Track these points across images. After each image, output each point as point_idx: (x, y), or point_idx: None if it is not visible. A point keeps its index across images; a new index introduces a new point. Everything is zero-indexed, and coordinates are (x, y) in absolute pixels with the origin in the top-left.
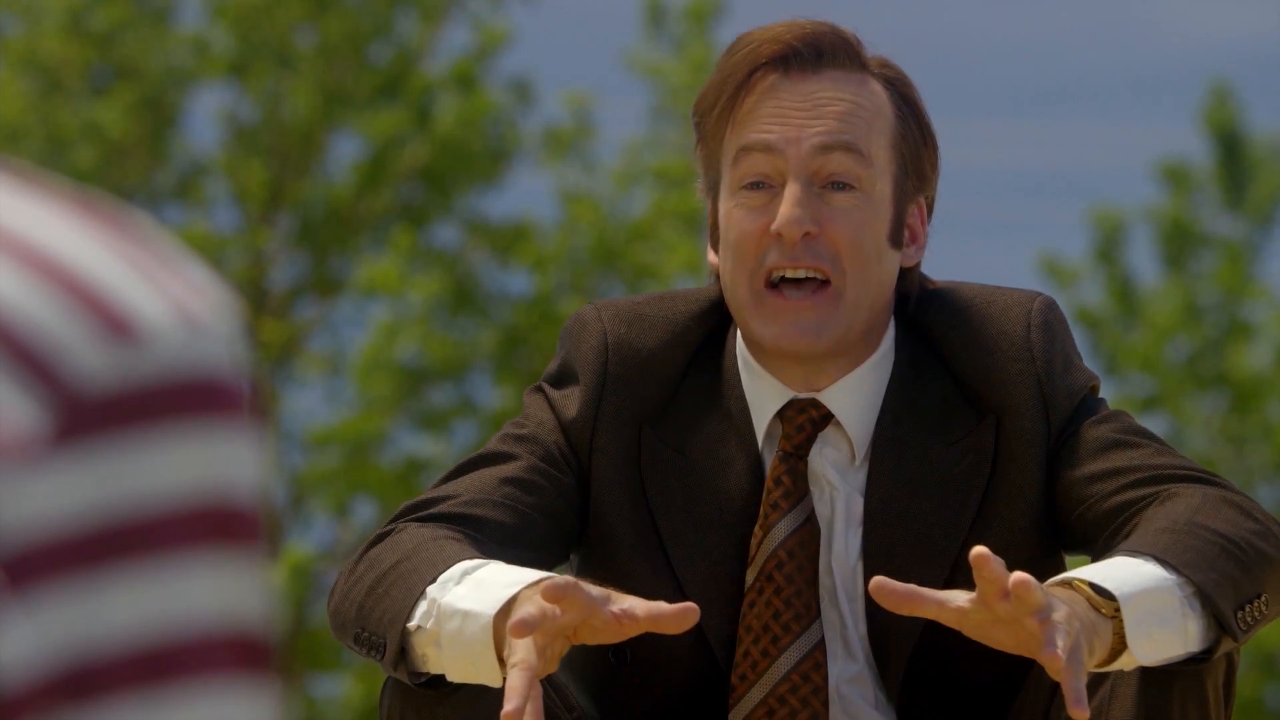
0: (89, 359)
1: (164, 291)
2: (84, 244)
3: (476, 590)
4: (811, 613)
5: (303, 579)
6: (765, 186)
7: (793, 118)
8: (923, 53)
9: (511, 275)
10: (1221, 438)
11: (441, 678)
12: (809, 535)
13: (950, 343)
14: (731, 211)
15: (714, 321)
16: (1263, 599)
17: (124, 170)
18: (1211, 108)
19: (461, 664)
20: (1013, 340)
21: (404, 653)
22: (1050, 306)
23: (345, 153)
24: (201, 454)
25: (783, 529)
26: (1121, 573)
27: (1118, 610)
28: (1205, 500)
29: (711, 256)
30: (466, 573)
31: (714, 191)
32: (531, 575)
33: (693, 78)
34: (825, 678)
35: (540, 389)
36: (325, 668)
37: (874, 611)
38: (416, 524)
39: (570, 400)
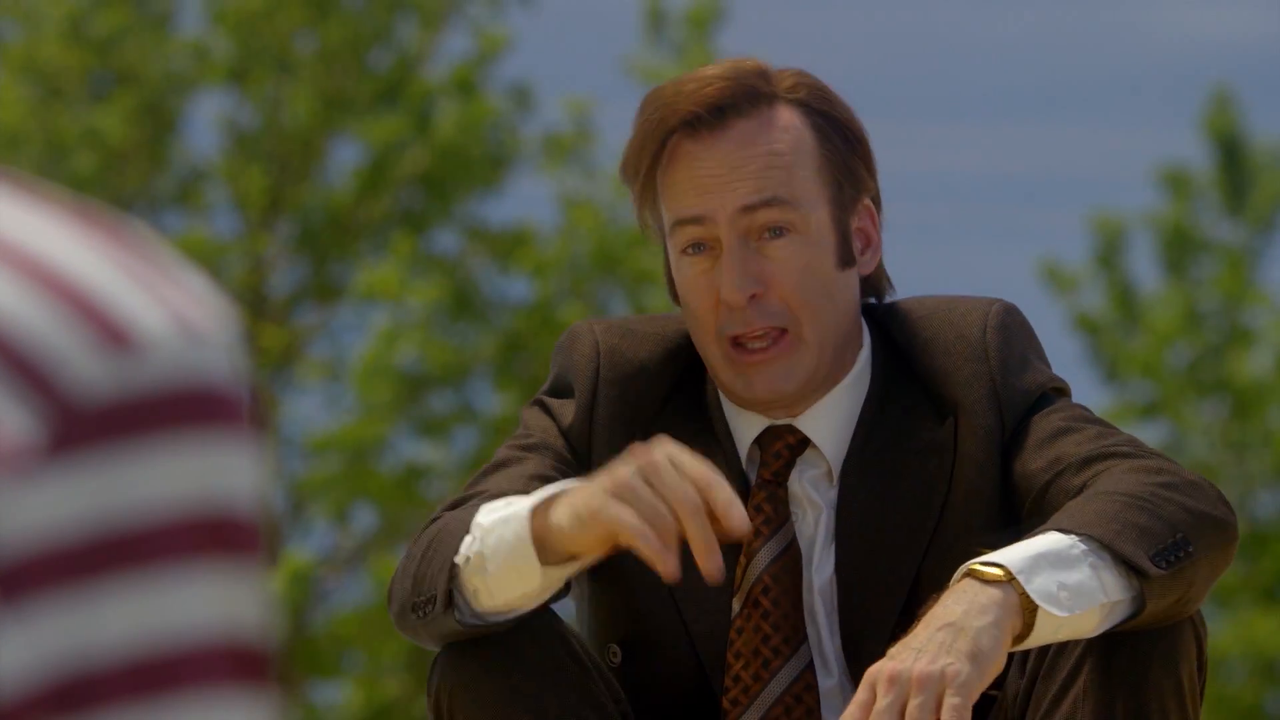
0: (86, 369)
1: (162, 300)
2: (81, 253)
3: (517, 501)
4: (799, 635)
5: (302, 585)
6: (706, 249)
7: (711, 186)
8: (922, 57)
9: (511, 281)
10: (1222, 444)
11: (487, 624)
12: (791, 560)
13: (914, 350)
14: (681, 273)
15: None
16: (1180, 537)
17: (124, 176)
18: (1212, 113)
19: (505, 572)
20: (969, 342)
21: (452, 594)
22: (1008, 310)
23: (345, 158)
24: (199, 464)
25: (765, 556)
26: (1019, 547)
27: (1018, 580)
28: (1114, 472)
29: (670, 299)
30: (509, 500)
31: (659, 239)
32: (568, 482)
33: None
34: (817, 699)
35: (539, 401)
36: (325, 674)
37: (848, 624)
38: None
39: (567, 408)
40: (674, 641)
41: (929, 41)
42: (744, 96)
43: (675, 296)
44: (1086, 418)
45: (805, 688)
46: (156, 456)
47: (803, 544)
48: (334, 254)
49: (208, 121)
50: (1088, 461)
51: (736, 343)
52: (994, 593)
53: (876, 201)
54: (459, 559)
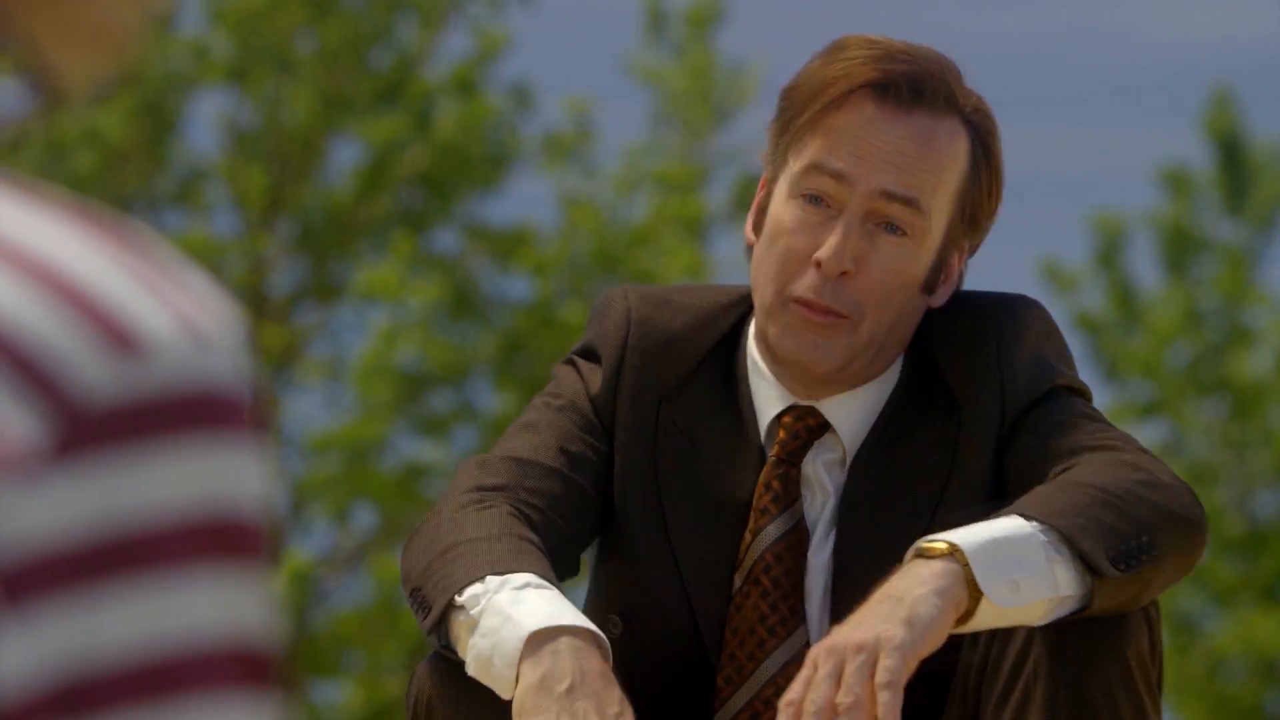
0: (91, 372)
1: (167, 304)
2: (86, 255)
3: (530, 604)
4: (796, 617)
5: (303, 585)
6: (824, 204)
7: (869, 155)
8: None
9: (511, 280)
10: (1222, 443)
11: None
12: (796, 540)
13: (935, 343)
14: (785, 215)
15: (738, 316)
16: (1146, 539)
17: (124, 176)
18: (1212, 112)
19: (483, 661)
20: (983, 335)
21: (443, 623)
22: (1029, 305)
23: (345, 158)
24: (204, 467)
25: (770, 534)
26: (975, 528)
27: (965, 557)
28: (1092, 463)
29: (750, 233)
30: (529, 584)
31: (774, 172)
32: (581, 620)
33: (693, 83)
34: None
35: (571, 360)
36: (326, 674)
37: (839, 610)
38: (506, 503)
39: (595, 374)
40: (676, 615)
41: (928, 42)
42: (940, 94)
43: (756, 228)
44: (1086, 415)
45: (799, 669)
46: (161, 459)
47: (810, 526)
48: (334, 253)
49: (208, 121)
50: (1075, 453)
51: (799, 301)
52: (936, 565)
53: (974, 250)
54: (459, 600)
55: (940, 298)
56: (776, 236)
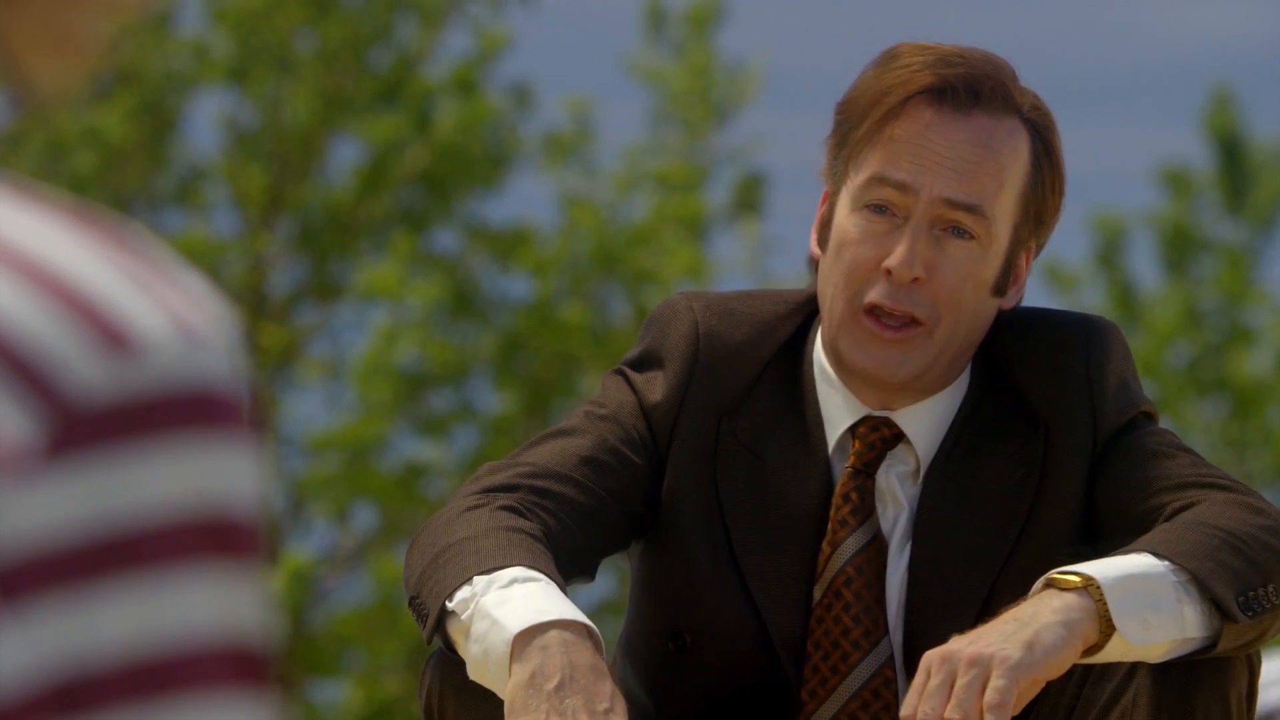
0: (85, 371)
1: (161, 303)
2: (80, 255)
3: (516, 602)
4: (880, 629)
5: (302, 584)
6: (889, 213)
7: (930, 163)
8: None
9: (511, 280)
10: (1222, 443)
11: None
12: (875, 552)
13: (1012, 360)
14: (850, 226)
15: (798, 323)
16: (1270, 587)
17: (123, 175)
18: (1212, 112)
19: (479, 666)
20: (1071, 357)
21: (440, 630)
22: (1111, 329)
23: (345, 157)
24: (198, 466)
25: (850, 546)
26: (1109, 562)
27: (1101, 591)
28: (1214, 503)
29: (814, 247)
30: (515, 580)
31: (835, 185)
32: (569, 611)
33: (693, 82)
34: (896, 694)
35: (621, 372)
36: (325, 673)
37: (912, 625)
38: (504, 501)
39: (655, 384)
40: (743, 630)
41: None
42: (998, 95)
43: (821, 242)
44: (1180, 445)
45: (884, 683)
46: (155, 459)
47: (886, 539)
48: (334, 253)
49: (208, 120)
50: (1182, 486)
51: (870, 312)
52: (1069, 597)
53: (1040, 247)
54: (450, 605)
55: (1011, 300)
56: (843, 248)
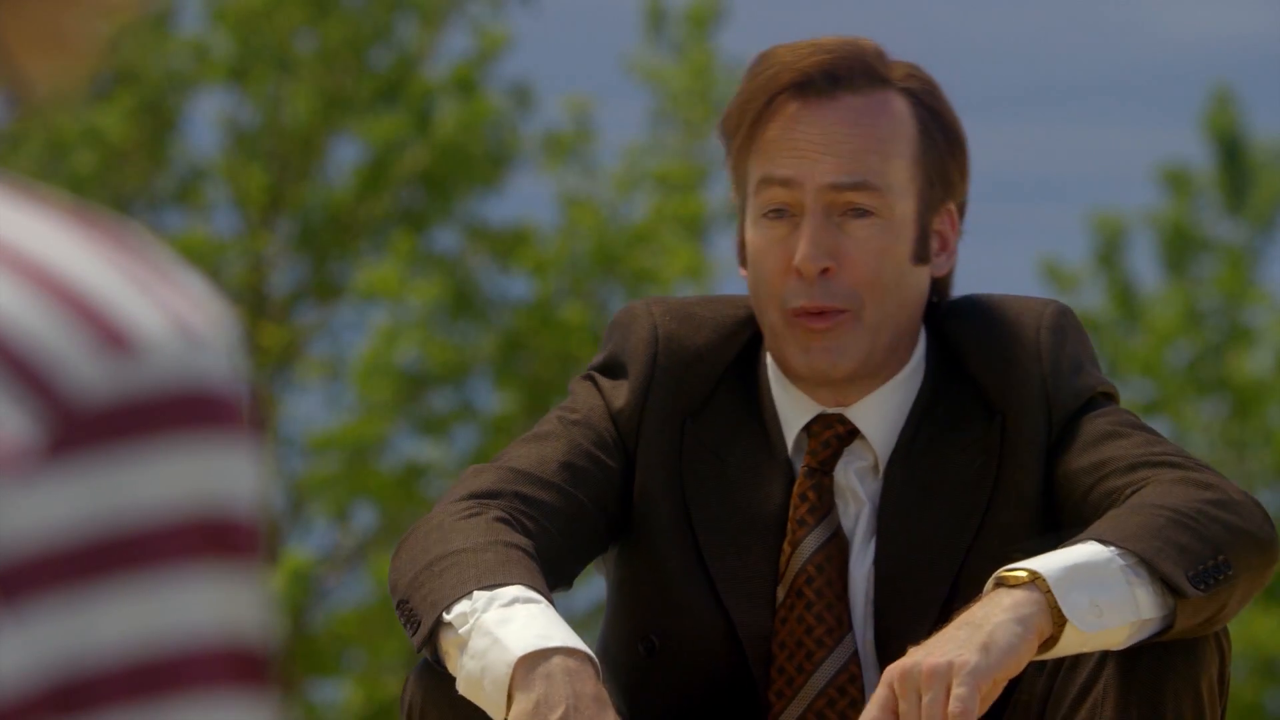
0: (85, 371)
1: (161, 303)
2: (80, 256)
3: (519, 623)
4: (843, 626)
5: (302, 584)
6: (786, 215)
7: (808, 152)
8: (923, 55)
9: (511, 280)
10: (1222, 443)
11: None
12: (836, 549)
13: (967, 348)
14: (756, 239)
15: (755, 329)
16: (1221, 559)
17: (124, 175)
18: (1212, 112)
19: (473, 682)
20: (1023, 342)
21: (431, 638)
22: (1064, 312)
23: (345, 157)
24: (198, 467)
25: (810, 544)
26: (1055, 555)
27: (1048, 584)
28: (1161, 483)
29: (741, 270)
30: (517, 600)
31: (741, 208)
32: (571, 639)
33: (693, 82)
34: (862, 690)
35: (590, 377)
36: (325, 673)
37: (883, 620)
38: (496, 511)
39: (619, 391)
40: (713, 633)
41: (929, 42)
42: (860, 73)
43: (743, 261)
44: (1134, 424)
45: (849, 679)
46: (155, 459)
47: (847, 535)
48: (334, 253)
49: (208, 120)
50: (1133, 467)
51: (799, 315)
52: (1019, 594)
53: (961, 209)
54: (448, 617)
55: (942, 266)
56: (756, 261)
